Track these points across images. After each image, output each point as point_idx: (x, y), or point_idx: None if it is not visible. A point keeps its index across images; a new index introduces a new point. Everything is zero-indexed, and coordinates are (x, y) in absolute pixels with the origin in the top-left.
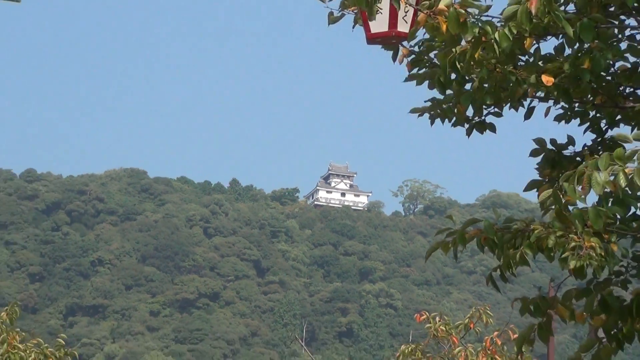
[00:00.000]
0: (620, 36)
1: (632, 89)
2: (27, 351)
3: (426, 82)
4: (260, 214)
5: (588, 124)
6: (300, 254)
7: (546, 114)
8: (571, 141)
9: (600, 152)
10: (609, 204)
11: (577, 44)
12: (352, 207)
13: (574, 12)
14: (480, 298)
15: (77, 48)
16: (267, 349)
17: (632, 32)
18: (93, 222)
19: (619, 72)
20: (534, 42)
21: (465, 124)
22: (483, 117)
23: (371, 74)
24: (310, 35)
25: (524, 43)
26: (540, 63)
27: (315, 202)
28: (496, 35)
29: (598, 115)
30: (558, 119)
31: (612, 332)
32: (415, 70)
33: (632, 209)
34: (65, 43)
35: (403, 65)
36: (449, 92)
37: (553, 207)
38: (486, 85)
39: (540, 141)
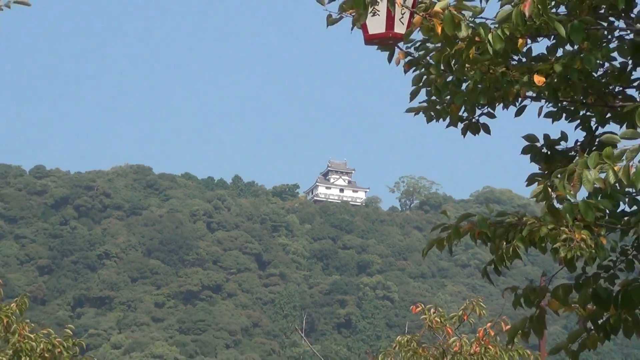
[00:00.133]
0: (609, 37)
1: (620, 89)
2: (37, 341)
3: (422, 83)
4: (261, 209)
5: (579, 121)
6: (300, 248)
7: (539, 114)
8: (564, 137)
9: (594, 148)
10: (599, 199)
11: (568, 45)
12: (351, 203)
13: (565, 14)
14: (473, 290)
15: (84, 48)
16: (268, 340)
17: (621, 33)
18: (100, 216)
19: (608, 72)
20: (526, 42)
21: (460, 124)
22: (477, 118)
23: (369, 74)
24: (310, 37)
25: (517, 43)
26: (532, 63)
27: (315, 198)
28: (489, 37)
29: (588, 113)
30: (549, 115)
31: (600, 323)
32: (411, 72)
33: (621, 205)
34: (73, 43)
35: (400, 66)
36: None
37: (538, 201)
38: (480, 86)
39: (530, 137)
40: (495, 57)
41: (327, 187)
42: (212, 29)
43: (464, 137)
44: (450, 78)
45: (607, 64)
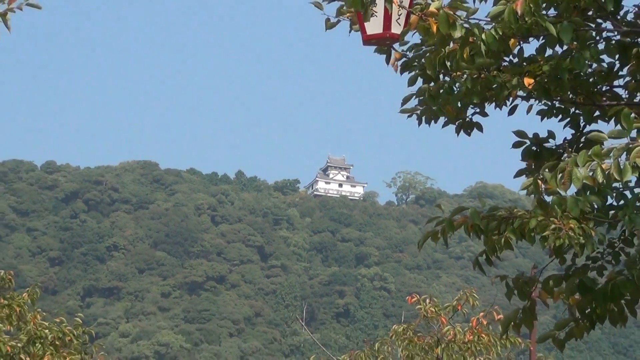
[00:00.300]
0: (597, 38)
1: (608, 88)
2: (51, 329)
3: (419, 84)
4: (263, 203)
5: (568, 119)
6: (301, 240)
7: (528, 112)
8: (552, 135)
9: (580, 145)
10: (587, 194)
11: (558, 45)
12: (349, 197)
13: (555, 16)
14: (467, 281)
15: (90, 49)
16: (269, 328)
17: (608, 34)
18: (108, 210)
19: (596, 72)
20: (518, 43)
21: (454, 123)
22: (470, 117)
23: (367, 74)
24: (310, 39)
25: (509, 43)
26: (523, 64)
27: (315, 192)
28: (483, 35)
29: (577, 112)
30: (541, 114)
31: (587, 312)
32: (406, 74)
33: (609, 199)
34: (81, 43)
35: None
36: (441, 91)
37: (528, 193)
38: (470, 87)
39: (520, 133)
40: (488, 56)
41: (326, 182)
42: (213, 27)
43: (458, 135)
44: (444, 78)
45: (594, 65)
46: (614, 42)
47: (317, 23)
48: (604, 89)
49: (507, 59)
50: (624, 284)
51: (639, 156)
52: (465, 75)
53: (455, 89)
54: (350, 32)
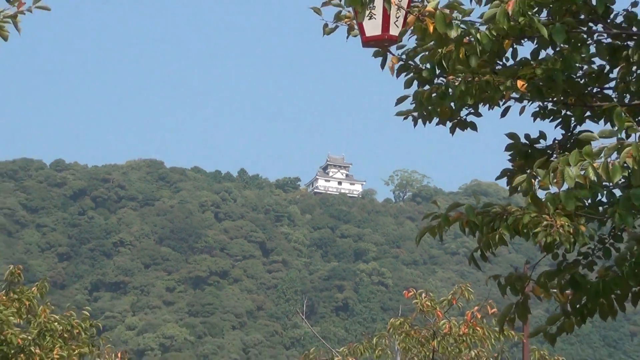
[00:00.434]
0: (589, 40)
1: (599, 89)
2: (61, 322)
3: (415, 86)
4: (265, 200)
5: (559, 120)
6: (301, 237)
7: (520, 113)
8: (542, 136)
9: (569, 146)
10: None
11: (550, 47)
12: (348, 195)
13: (547, 18)
14: (462, 276)
15: (97, 49)
16: (271, 322)
17: (599, 37)
18: (115, 207)
19: (587, 73)
20: (512, 44)
21: (448, 123)
22: (464, 117)
23: (365, 75)
24: (310, 40)
25: (503, 44)
26: (516, 67)
27: (315, 190)
28: (478, 35)
29: (568, 113)
30: (534, 115)
31: (578, 307)
32: (402, 76)
33: (599, 196)
34: (88, 44)
35: (394, 67)
36: (434, 95)
37: (520, 190)
38: (464, 90)
39: (512, 135)
40: (483, 56)
41: (326, 180)
42: (216, 27)
43: (453, 134)
44: (439, 80)
45: (585, 67)
46: (604, 44)
47: (318, 24)
48: (594, 90)
49: (500, 63)
50: (614, 280)
51: (629, 156)
52: (459, 79)
53: (449, 92)
54: (347, 37)
